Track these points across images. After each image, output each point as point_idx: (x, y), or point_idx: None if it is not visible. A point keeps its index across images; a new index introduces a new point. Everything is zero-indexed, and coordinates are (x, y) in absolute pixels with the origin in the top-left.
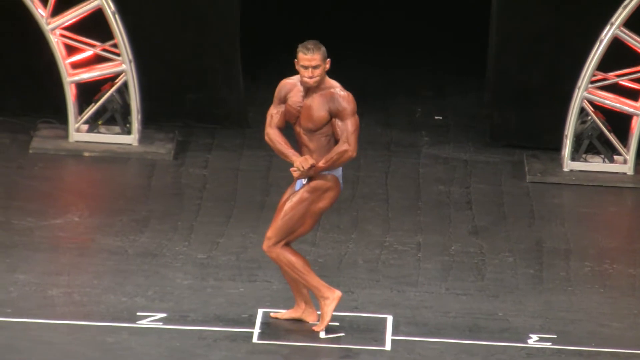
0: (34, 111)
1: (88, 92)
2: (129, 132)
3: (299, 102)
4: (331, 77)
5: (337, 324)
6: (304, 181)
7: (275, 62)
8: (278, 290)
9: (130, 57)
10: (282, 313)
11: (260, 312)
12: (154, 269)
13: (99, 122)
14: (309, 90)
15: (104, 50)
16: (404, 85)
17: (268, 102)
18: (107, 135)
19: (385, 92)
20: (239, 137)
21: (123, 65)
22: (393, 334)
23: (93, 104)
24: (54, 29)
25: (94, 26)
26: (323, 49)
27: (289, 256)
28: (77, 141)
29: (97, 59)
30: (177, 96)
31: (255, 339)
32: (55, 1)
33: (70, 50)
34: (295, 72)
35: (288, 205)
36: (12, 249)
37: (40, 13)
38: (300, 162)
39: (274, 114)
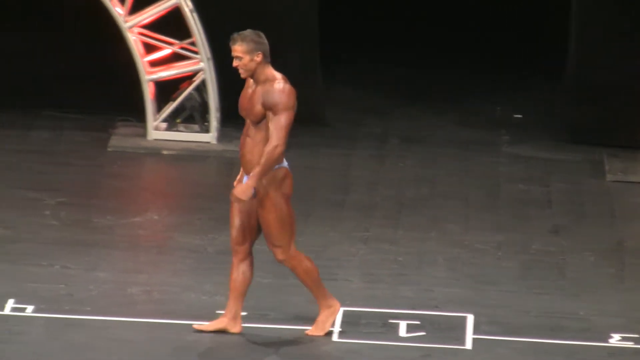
0: (112, 110)
1: (166, 90)
2: (207, 130)
3: (246, 93)
4: (413, 79)
5: (418, 322)
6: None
7: (354, 61)
8: (358, 288)
9: (209, 55)
10: (207, 325)
11: (340, 310)
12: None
13: (178, 121)
14: (252, 82)
15: (182, 48)
16: (483, 84)
17: (346, 101)
18: (186, 134)
19: (464, 92)
20: (317, 136)
21: (201, 64)
22: (474, 333)
23: (171, 102)
24: (132, 27)
25: (172, 24)
26: (250, 40)
27: (306, 263)
28: (155, 139)
29: (175, 57)
30: None
31: (335, 338)
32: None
33: (149, 48)
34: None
35: (264, 212)
36: (92, 247)
37: (118, 11)
38: (237, 194)
39: None
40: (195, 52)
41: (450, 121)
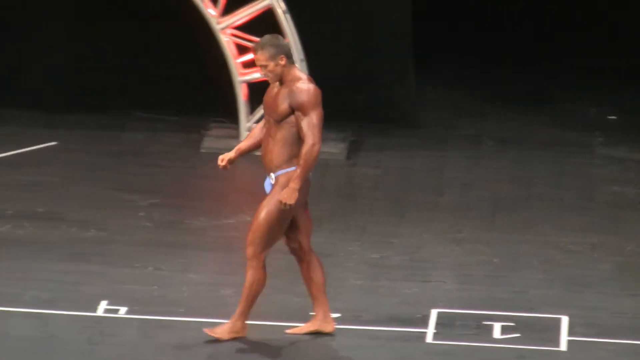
0: (205, 111)
1: (259, 91)
2: None
3: (271, 92)
4: (507, 81)
5: (513, 324)
6: (272, 180)
7: (448, 63)
8: (452, 290)
9: (302, 56)
10: (299, 328)
11: (434, 312)
12: (327, 269)
13: None
14: (278, 83)
15: None
16: (577, 85)
17: (440, 103)
18: None
19: (558, 93)
20: (411, 137)
21: None
22: (568, 334)
23: None
24: (224, 28)
25: (264, 25)
26: (270, 46)
27: (259, 275)
28: None
29: None
30: (349, 96)
31: (429, 340)
32: (226, 1)
33: (241, 49)
34: None
35: (262, 206)
36: (185, 249)
37: (211, 12)
38: (285, 200)
39: None
40: None
41: (544, 123)
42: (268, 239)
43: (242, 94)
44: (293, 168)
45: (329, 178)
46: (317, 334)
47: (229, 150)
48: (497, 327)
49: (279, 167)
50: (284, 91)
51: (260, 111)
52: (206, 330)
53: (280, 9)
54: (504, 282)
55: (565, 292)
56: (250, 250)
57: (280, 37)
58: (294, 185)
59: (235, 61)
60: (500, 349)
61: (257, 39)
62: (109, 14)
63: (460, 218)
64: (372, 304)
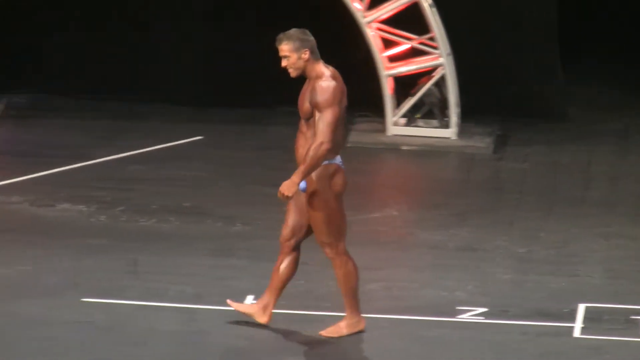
0: (351, 105)
1: (405, 85)
2: (447, 126)
3: (303, 90)
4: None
5: None
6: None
7: (597, 57)
8: (600, 284)
9: (448, 50)
10: (239, 304)
11: (581, 306)
12: (474, 263)
13: (417, 116)
14: (306, 79)
15: (421, 43)
16: None
17: (588, 97)
18: (425, 129)
19: None
20: (558, 131)
21: (441, 59)
22: None
23: (410, 97)
24: (370, 22)
25: (410, 19)
26: (295, 39)
27: (349, 267)
28: (394, 135)
29: (414, 53)
30: (495, 90)
31: (577, 334)
32: None
33: (387, 43)
34: None
35: (312, 209)
36: None
37: (357, 7)
38: (282, 190)
39: None
40: (435, 48)
41: None
42: (337, 232)
43: (388, 87)
44: (325, 162)
45: (476, 172)
46: (250, 317)
47: (376, 145)
48: None
49: None
50: (309, 89)
51: (406, 105)
52: (322, 333)
53: (427, 3)
54: None
55: None
56: (328, 252)
57: (307, 32)
58: (295, 179)
59: (381, 55)
60: None
61: (404, 32)
62: (250, 12)
63: (608, 213)
64: (519, 299)
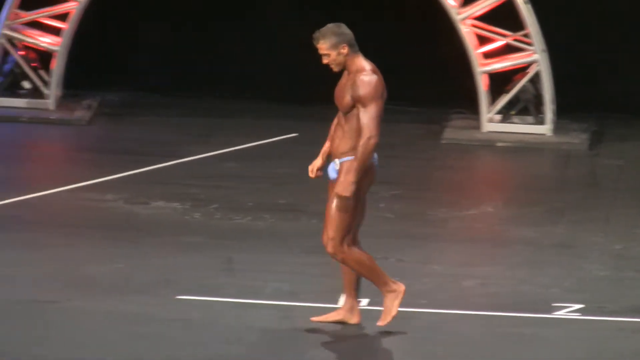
0: (446, 102)
1: (500, 82)
2: (542, 122)
3: (341, 83)
4: None
5: None
6: (337, 166)
7: None
8: None
9: (543, 46)
10: (325, 316)
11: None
12: (570, 260)
13: (512, 113)
14: (344, 73)
15: (516, 40)
16: None
17: None
18: (520, 126)
19: None
20: None
21: (535, 55)
22: None
23: (505, 94)
24: (464, 19)
25: (505, 16)
26: (332, 35)
27: (356, 254)
28: (489, 131)
29: (508, 49)
30: (590, 86)
31: None
32: None
33: (481, 40)
34: None
35: (331, 200)
36: (426, 240)
37: (450, 3)
38: (340, 192)
39: None
40: (529, 44)
41: None
42: (342, 231)
43: (482, 84)
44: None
45: (571, 169)
46: (342, 323)
47: (471, 141)
48: None
49: (344, 154)
50: (349, 83)
51: (501, 101)
52: (380, 323)
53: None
54: None
55: None
56: (330, 248)
57: (343, 25)
58: (350, 178)
59: (475, 52)
60: None
61: (498, 29)
62: (339, 6)
63: None
64: (616, 295)
